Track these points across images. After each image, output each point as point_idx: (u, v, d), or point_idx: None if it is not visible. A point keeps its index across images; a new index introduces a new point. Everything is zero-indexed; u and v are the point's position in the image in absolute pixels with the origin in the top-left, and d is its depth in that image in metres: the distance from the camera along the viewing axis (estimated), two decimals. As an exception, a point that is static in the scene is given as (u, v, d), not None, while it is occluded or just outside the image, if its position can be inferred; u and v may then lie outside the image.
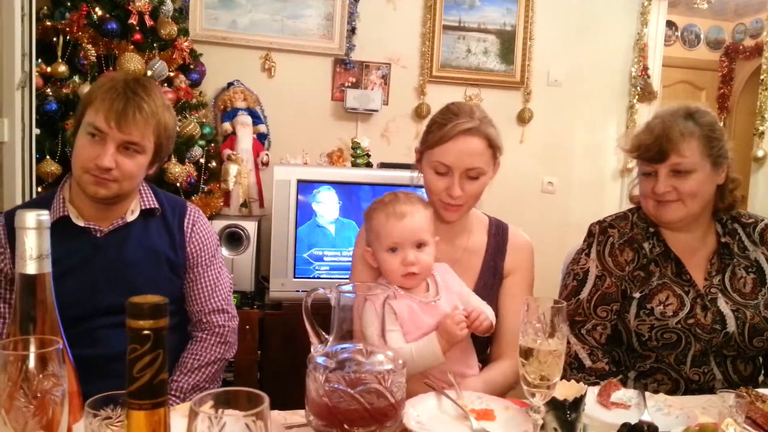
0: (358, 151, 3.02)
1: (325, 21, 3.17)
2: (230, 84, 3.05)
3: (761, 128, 3.66)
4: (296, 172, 2.69)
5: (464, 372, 1.35)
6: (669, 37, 5.34)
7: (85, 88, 2.34)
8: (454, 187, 1.36)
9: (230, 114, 2.98)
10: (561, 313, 0.92)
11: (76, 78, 2.45)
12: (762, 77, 3.70)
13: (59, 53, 2.45)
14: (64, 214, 1.40)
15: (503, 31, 3.42)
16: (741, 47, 5.57)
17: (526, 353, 0.92)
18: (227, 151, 2.87)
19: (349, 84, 3.24)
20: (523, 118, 3.47)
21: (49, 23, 2.49)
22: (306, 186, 2.67)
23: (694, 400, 1.28)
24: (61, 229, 1.36)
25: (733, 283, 1.50)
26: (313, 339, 0.96)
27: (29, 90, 2.25)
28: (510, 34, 3.42)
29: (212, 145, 2.83)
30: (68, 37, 2.46)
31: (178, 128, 2.28)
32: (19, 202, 2.20)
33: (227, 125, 2.96)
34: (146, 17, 2.53)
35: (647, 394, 1.21)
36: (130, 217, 1.45)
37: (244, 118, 2.96)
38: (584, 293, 1.52)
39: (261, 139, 3.03)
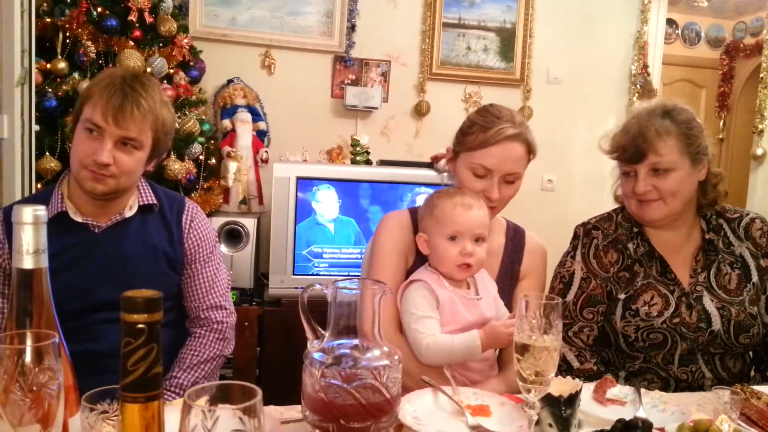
0: (358, 149, 3.02)
1: (324, 18, 3.17)
2: (230, 81, 3.05)
3: (761, 126, 3.66)
4: (296, 169, 2.69)
5: (488, 372, 1.40)
6: (669, 35, 5.33)
7: (85, 85, 2.34)
8: (493, 190, 1.39)
9: (230, 111, 2.98)
10: (556, 310, 0.93)
11: (76, 75, 2.45)
12: (762, 75, 3.70)
13: (59, 50, 2.46)
14: (62, 210, 1.40)
15: (503, 29, 3.42)
16: (741, 45, 5.55)
17: (522, 349, 0.93)
18: (227, 148, 2.87)
19: (349, 81, 3.24)
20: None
21: (48, 20, 2.49)
22: (305, 183, 2.67)
23: (689, 397, 1.29)
24: (59, 224, 1.36)
25: (718, 279, 1.49)
26: (309, 335, 0.96)
27: (29, 86, 2.25)
28: (510, 32, 3.42)
29: (212, 142, 2.83)
30: (68, 34, 2.46)
31: (177, 125, 2.29)
32: (18, 198, 2.20)
33: (227, 122, 2.97)
34: (146, 14, 2.53)
35: (643, 390, 1.21)
36: (129, 213, 1.45)
37: (244, 115, 2.96)
38: (570, 296, 1.53)
39: (260, 136, 3.03)
